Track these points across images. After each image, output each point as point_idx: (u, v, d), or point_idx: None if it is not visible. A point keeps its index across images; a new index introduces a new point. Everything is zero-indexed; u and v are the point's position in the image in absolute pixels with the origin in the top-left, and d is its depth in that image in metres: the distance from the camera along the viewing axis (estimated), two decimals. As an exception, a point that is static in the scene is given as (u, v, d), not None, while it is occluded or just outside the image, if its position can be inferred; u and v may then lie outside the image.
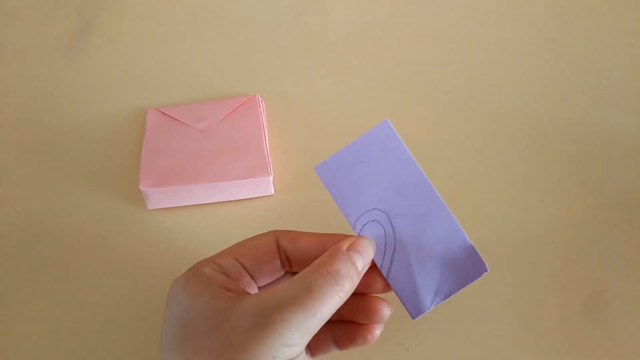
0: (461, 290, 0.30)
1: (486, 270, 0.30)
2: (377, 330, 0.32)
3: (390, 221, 0.31)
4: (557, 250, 0.40)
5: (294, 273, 0.33)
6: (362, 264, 0.29)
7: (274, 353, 0.26)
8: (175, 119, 0.45)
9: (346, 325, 0.33)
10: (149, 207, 0.42)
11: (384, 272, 0.31)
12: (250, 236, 0.33)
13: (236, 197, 0.43)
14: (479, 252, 0.30)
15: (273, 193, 0.43)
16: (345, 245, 0.30)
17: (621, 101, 0.47)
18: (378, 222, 0.31)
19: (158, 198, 0.42)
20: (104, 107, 0.49)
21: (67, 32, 0.54)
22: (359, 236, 0.31)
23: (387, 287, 0.31)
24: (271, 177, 0.41)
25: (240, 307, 0.27)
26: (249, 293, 0.29)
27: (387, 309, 0.31)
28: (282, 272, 0.33)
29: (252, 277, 0.32)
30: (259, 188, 0.42)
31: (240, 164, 0.42)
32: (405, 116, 0.47)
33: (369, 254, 0.30)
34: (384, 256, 0.31)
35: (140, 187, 0.41)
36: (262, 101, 0.47)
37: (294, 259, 0.32)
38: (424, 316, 0.31)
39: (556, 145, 0.45)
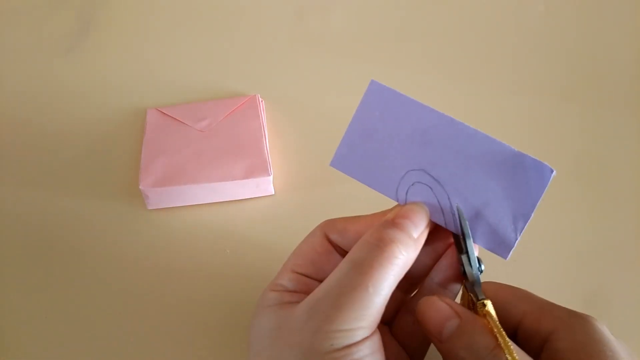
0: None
1: (552, 171, 0.27)
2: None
3: (430, 175, 0.28)
4: (557, 250, 0.40)
5: None
6: (414, 228, 0.27)
7: (331, 341, 0.24)
8: (175, 119, 0.45)
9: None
10: (149, 207, 0.42)
11: (451, 229, 0.28)
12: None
13: (236, 197, 0.43)
14: (532, 156, 0.27)
15: (273, 193, 0.43)
16: (390, 215, 0.28)
17: (621, 100, 0.47)
18: (419, 182, 0.28)
19: (158, 198, 0.42)
20: (104, 107, 0.49)
21: (67, 32, 0.54)
22: (405, 203, 0.29)
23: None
24: (271, 177, 0.41)
25: (297, 308, 0.26)
26: None
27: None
28: None
29: (318, 280, 0.30)
30: (259, 188, 0.42)
31: (240, 164, 0.42)
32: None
33: (419, 216, 0.27)
34: (443, 213, 0.28)
35: (140, 187, 0.41)
36: (262, 101, 0.47)
37: (348, 249, 0.30)
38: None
39: (556, 145, 0.45)
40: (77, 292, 0.39)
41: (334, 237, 0.30)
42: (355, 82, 0.50)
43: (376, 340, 0.25)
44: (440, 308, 0.26)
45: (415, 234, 0.27)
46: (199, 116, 0.45)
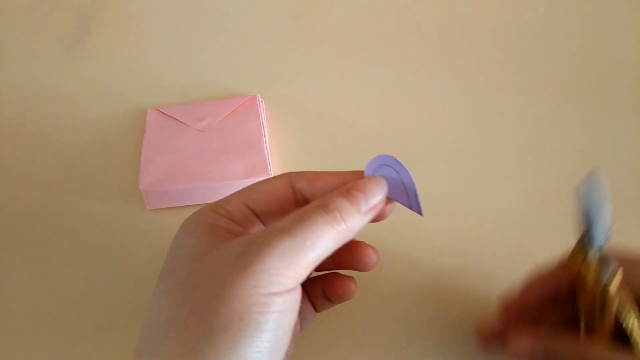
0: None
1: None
2: (353, 285, 0.32)
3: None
4: (558, 250, 0.40)
5: None
6: (365, 202, 0.28)
7: (255, 281, 0.24)
8: (175, 119, 0.45)
9: (334, 276, 0.32)
10: (149, 207, 0.42)
11: (416, 210, 0.29)
12: None
13: (236, 197, 0.43)
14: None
15: (273, 193, 0.43)
16: (347, 185, 0.28)
17: (622, 101, 0.47)
18: (386, 165, 0.29)
19: (158, 198, 0.42)
20: (104, 107, 0.49)
21: (67, 32, 0.54)
22: (366, 177, 0.29)
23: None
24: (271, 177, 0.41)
25: (232, 240, 0.26)
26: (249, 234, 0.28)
27: (374, 255, 0.31)
28: None
29: (264, 223, 0.30)
30: (259, 188, 0.42)
31: (240, 164, 0.42)
32: (406, 116, 0.47)
33: (373, 191, 0.28)
34: (407, 195, 0.29)
35: (140, 187, 0.41)
36: (262, 101, 0.47)
37: (312, 199, 0.30)
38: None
39: (556, 145, 0.45)
40: (77, 292, 0.39)
41: (301, 185, 0.30)
42: (355, 82, 0.50)
43: (296, 298, 0.26)
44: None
45: (364, 208, 0.28)
46: (199, 116, 0.45)
